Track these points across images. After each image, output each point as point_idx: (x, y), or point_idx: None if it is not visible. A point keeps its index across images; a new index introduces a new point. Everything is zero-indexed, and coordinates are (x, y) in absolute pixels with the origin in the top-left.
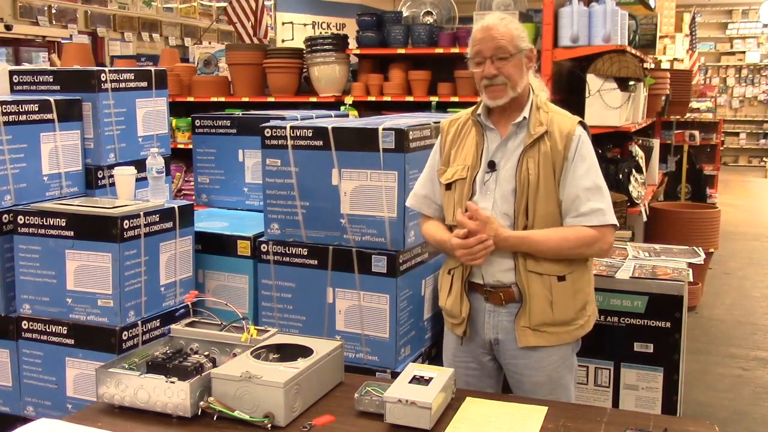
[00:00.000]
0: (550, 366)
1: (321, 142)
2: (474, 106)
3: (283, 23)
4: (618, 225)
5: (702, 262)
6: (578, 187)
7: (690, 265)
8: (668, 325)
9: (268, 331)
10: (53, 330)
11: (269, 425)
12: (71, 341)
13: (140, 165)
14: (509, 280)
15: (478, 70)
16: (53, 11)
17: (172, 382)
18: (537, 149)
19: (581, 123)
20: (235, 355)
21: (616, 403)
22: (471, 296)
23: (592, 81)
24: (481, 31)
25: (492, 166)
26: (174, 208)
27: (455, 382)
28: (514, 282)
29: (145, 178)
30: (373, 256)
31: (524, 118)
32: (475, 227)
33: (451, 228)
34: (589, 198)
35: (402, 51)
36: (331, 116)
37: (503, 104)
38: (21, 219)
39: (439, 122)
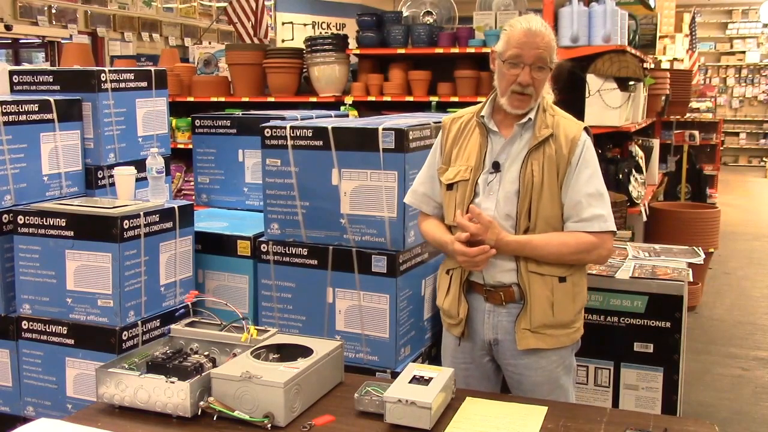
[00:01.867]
0: (549, 366)
1: (321, 142)
2: (478, 106)
3: (283, 23)
4: (617, 232)
5: (702, 262)
6: (580, 193)
7: (690, 265)
8: (668, 325)
9: (268, 331)
10: (53, 330)
11: (269, 425)
12: (71, 341)
13: (140, 165)
14: (510, 280)
15: (511, 73)
16: (53, 11)
17: (172, 382)
18: (542, 152)
19: (586, 129)
20: (235, 355)
21: (616, 403)
22: (470, 296)
23: (592, 81)
24: (525, 35)
25: (496, 167)
26: (174, 208)
27: (455, 382)
28: (515, 282)
29: (145, 178)
30: (373, 256)
31: (529, 119)
32: (476, 230)
33: (450, 228)
34: (590, 203)
35: (402, 51)
36: (331, 116)
37: None
38: (21, 219)
39: (439, 122)
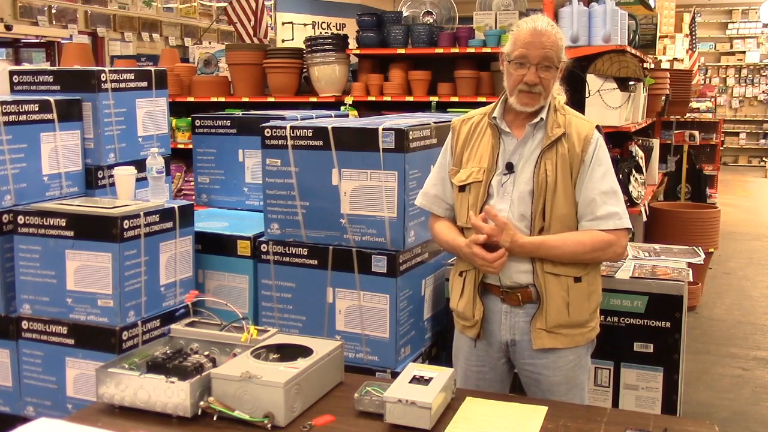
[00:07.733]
0: (566, 366)
1: (321, 142)
2: (488, 107)
3: (283, 23)
4: (632, 229)
5: (702, 262)
6: (595, 191)
7: (690, 265)
8: (668, 325)
9: (268, 331)
10: (53, 330)
11: (269, 425)
12: (71, 341)
13: (140, 165)
14: (526, 281)
15: (518, 73)
16: (53, 11)
17: (172, 382)
18: (554, 151)
19: (598, 127)
20: (235, 355)
21: (616, 403)
22: (485, 298)
23: (592, 81)
24: (530, 35)
25: (510, 167)
26: (174, 208)
27: (455, 382)
28: (531, 283)
29: (145, 178)
30: (373, 256)
31: (541, 119)
32: (491, 231)
33: (462, 230)
34: (605, 201)
35: (402, 51)
36: (331, 116)
37: None
38: (21, 219)
39: (439, 122)
